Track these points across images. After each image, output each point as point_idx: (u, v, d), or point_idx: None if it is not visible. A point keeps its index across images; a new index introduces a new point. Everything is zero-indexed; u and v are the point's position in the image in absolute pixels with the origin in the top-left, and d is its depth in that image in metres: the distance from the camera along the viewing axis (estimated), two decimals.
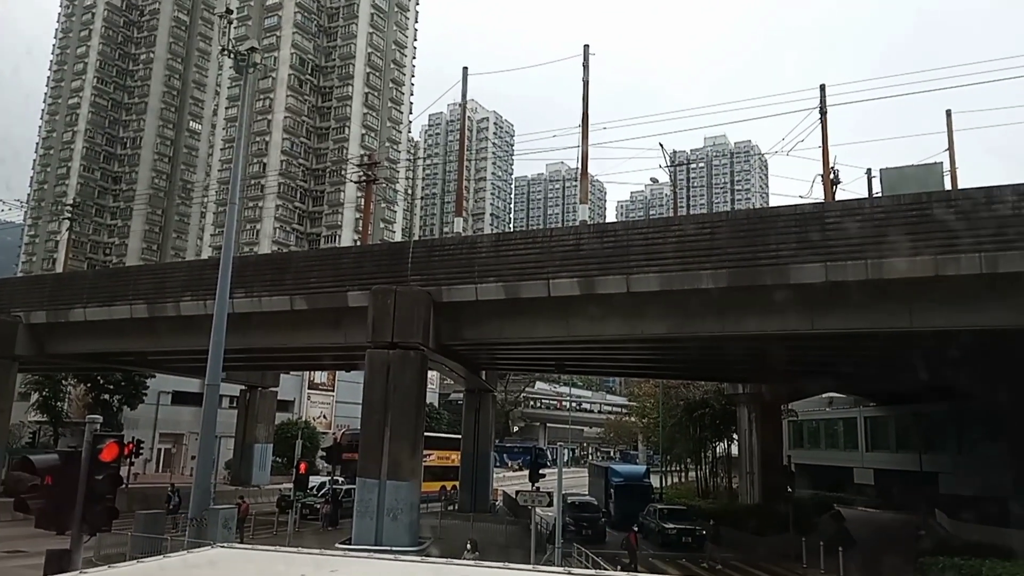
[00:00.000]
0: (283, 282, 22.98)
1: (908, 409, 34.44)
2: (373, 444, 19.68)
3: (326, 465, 40.49)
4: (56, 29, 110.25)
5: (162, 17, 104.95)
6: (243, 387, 40.79)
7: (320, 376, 60.26)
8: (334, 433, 53.63)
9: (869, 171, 31.11)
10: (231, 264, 16.04)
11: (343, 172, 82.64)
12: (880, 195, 21.75)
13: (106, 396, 41.31)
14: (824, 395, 42.24)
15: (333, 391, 61.64)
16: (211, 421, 15.32)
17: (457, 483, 36.39)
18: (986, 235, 15.20)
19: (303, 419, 55.43)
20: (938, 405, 30.94)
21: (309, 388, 59.79)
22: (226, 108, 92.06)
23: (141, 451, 29.51)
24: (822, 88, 26.42)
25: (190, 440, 46.52)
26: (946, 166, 26.67)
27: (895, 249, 15.70)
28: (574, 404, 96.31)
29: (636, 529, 23.74)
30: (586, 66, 27.31)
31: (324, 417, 60.70)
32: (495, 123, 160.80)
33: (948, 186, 24.18)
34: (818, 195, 27.49)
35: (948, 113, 28.55)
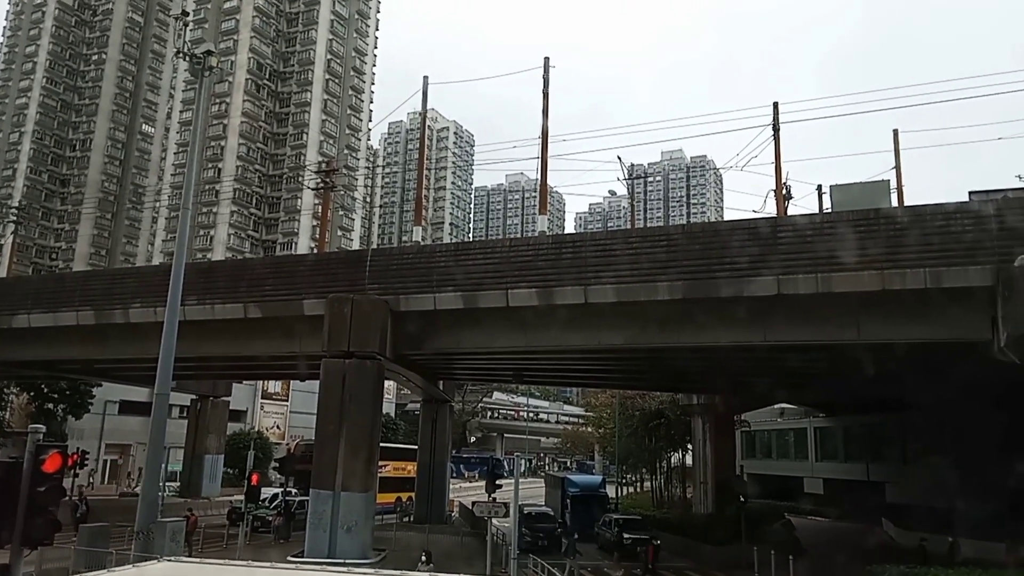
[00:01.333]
0: (237, 289, 22.59)
1: (856, 420, 35.26)
2: (327, 455, 19.43)
3: (279, 476, 39.81)
4: (3, 27, 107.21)
5: (115, 18, 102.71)
6: (194, 397, 39.92)
7: (274, 386, 59.25)
8: (288, 444, 52.74)
9: (820, 187, 31.93)
10: (183, 270, 15.73)
11: (300, 179, 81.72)
12: (830, 211, 22.32)
13: (50, 405, 39.99)
14: (776, 406, 43.02)
15: (287, 401, 60.65)
16: (160, 431, 14.94)
17: (413, 494, 36.08)
18: (931, 251, 15.69)
19: (256, 429, 54.40)
20: (884, 416, 31.75)
21: (263, 398, 58.71)
22: (180, 111, 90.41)
23: (86, 462, 28.60)
24: (775, 106, 27.04)
25: (137, 451, 45.28)
26: (893, 183, 27.49)
27: (844, 263, 16.11)
28: (532, 414, 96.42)
29: (657, 543, 23.71)
30: (546, 79, 27.55)
31: (278, 427, 59.65)
32: (455, 132, 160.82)
33: (895, 203, 24.91)
34: (771, 210, 28.13)
35: (895, 132, 29.48)
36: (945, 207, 16.44)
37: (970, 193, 18.32)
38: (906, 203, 27.08)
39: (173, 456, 40.05)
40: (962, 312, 15.71)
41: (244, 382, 50.83)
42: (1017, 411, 15.45)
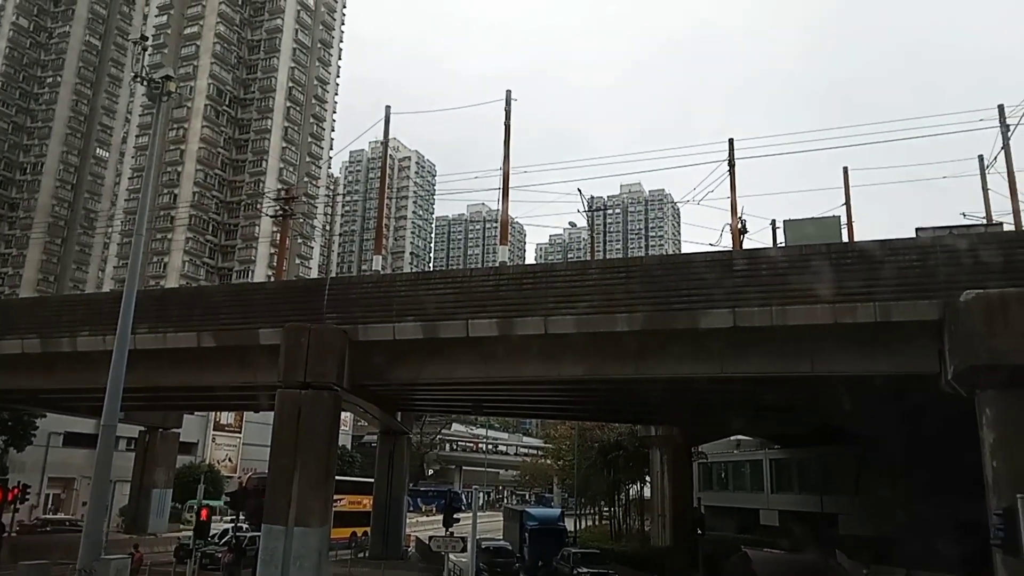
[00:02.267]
0: (191, 318, 22.12)
1: (810, 452, 35.70)
2: (281, 488, 18.96)
3: (229, 512, 38.73)
4: None
5: (72, 40, 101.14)
6: (143, 428, 38.73)
7: (227, 417, 57.94)
8: (240, 477, 51.47)
9: (773, 222, 32.59)
10: (135, 297, 15.37)
11: (259, 206, 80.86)
12: (783, 245, 22.82)
13: None
14: (732, 438, 43.39)
15: (240, 433, 59.27)
16: (106, 464, 14.46)
17: (368, 529, 35.38)
18: (880, 285, 16.11)
19: (207, 462, 52.97)
20: (838, 448, 32.20)
21: (215, 430, 57.31)
22: (136, 136, 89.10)
23: (27, 496, 27.45)
24: (730, 142, 27.68)
25: (82, 485, 43.69)
26: (844, 219, 28.24)
27: (797, 297, 16.44)
28: (490, 446, 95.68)
29: None
30: (508, 111, 27.78)
31: (230, 460, 58.19)
32: (417, 162, 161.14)
33: (845, 238, 25.57)
34: (727, 243, 28.61)
35: (845, 170, 30.30)
36: (893, 243, 16.93)
37: (917, 229, 18.88)
38: (856, 238, 27.84)
39: (119, 490, 38.75)
40: (911, 345, 16.10)
41: (196, 413, 49.58)
42: (965, 443, 15.82)
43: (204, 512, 22.85)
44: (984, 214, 27.16)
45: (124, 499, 39.89)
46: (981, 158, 27.77)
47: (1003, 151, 25.77)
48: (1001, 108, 26.02)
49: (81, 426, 40.79)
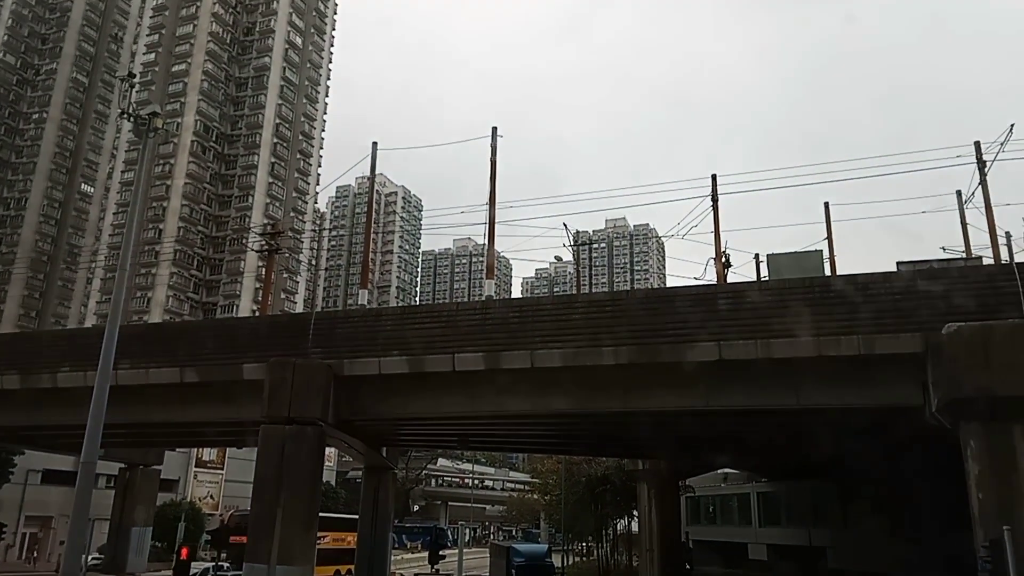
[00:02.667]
0: (174, 353, 21.94)
1: (797, 485, 35.62)
2: (263, 526, 18.65)
3: (210, 550, 37.98)
4: None
5: (59, 77, 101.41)
6: (123, 465, 38.06)
7: (209, 453, 57.13)
8: (221, 515, 50.57)
9: (757, 256, 32.94)
10: (117, 333, 15.24)
11: (244, 240, 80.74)
12: (767, 279, 23.04)
13: None
14: (720, 471, 43.23)
15: (223, 469, 58.40)
16: (85, 502, 14.20)
17: (352, 566, 34.76)
18: (863, 318, 16.26)
19: (188, 499, 52.05)
20: (825, 481, 32.18)
21: (196, 466, 56.47)
22: (122, 172, 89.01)
23: (3, 535, 26.87)
24: (713, 178, 28.04)
25: (60, 523, 42.77)
26: (827, 253, 28.56)
27: (781, 330, 16.55)
28: (477, 481, 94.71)
29: None
30: (494, 147, 28.07)
31: (211, 497, 57.23)
32: (404, 197, 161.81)
33: (828, 271, 25.84)
34: (711, 277, 28.84)
35: (826, 205, 30.73)
36: (875, 276, 17.14)
37: (898, 263, 19.14)
38: (838, 272, 28.13)
39: (97, 528, 37.95)
40: (895, 378, 16.21)
41: (178, 450, 48.86)
42: (951, 475, 15.86)
43: (184, 551, 22.42)
44: (963, 248, 27.57)
45: (103, 538, 39.06)
46: (959, 193, 28.30)
47: (980, 186, 26.26)
48: (977, 144, 26.58)
49: (60, 463, 40.07)
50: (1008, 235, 28.94)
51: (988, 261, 23.53)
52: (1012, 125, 25.41)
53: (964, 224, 27.86)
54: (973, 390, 14.33)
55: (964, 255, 26.19)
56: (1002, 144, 25.48)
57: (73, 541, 14.29)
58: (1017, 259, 26.11)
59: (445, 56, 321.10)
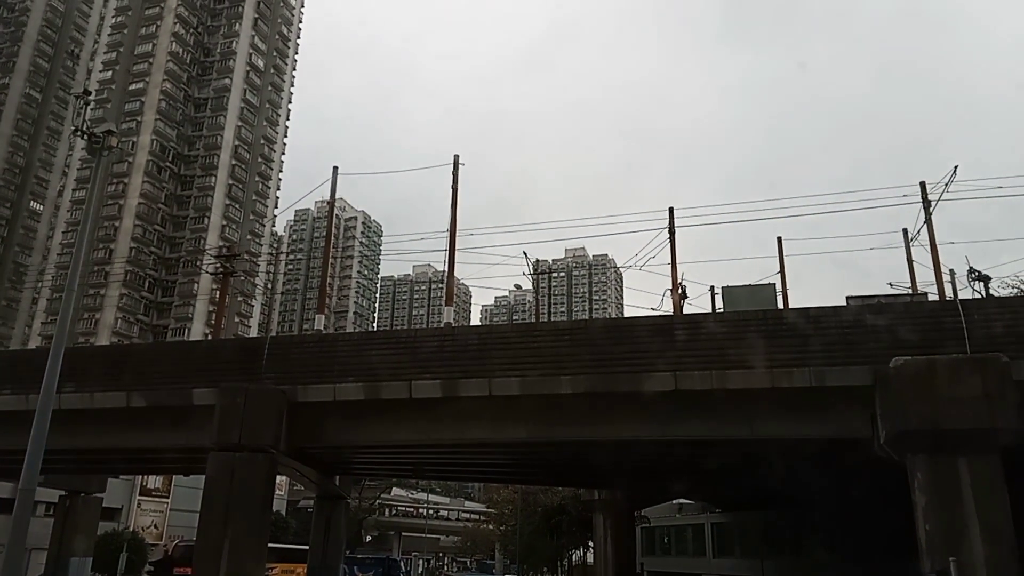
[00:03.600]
0: (121, 376, 21.31)
1: (751, 515, 35.93)
2: (210, 557, 18.09)
3: None
4: None
5: (11, 92, 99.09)
6: (63, 493, 36.66)
7: (154, 481, 55.33)
8: (166, 545, 48.91)
9: (712, 288, 33.40)
10: (62, 355, 14.76)
11: (199, 263, 79.28)
12: (722, 311, 23.39)
13: None
14: (675, 501, 43.40)
15: (168, 498, 56.59)
16: (22, 531, 13.61)
17: None
18: (814, 351, 16.59)
19: (131, 529, 50.27)
20: (777, 512, 32.52)
21: (141, 494, 54.59)
22: (74, 190, 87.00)
23: None
24: (671, 211, 28.43)
25: None
26: (779, 286, 29.14)
27: (735, 361, 16.79)
28: (432, 511, 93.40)
29: None
30: (455, 175, 28.11)
31: (156, 527, 55.34)
32: (363, 223, 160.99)
33: (780, 304, 26.34)
34: (668, 308, 29.13)
35: (779, 240, 31.37)
36: (826, 311, 17.53)
37: (847, 298, 19.59)
38: (790, 305, 28.68)
39: (34, 559, 36.41)
40: (845, 410, 16.53)
41: (121, 477, 47.27)
42: (899, 506, 16.17)
43: None
44: (910, 284, 28.38)
45: (40, 568, 37.45)
46: (906, 231, 29.15)
47: (926, 224, 27.12)
48: (923, 185, 27.49)
49: None
50: (952, 272, 29.88)
51: (933, 297, 24.24)
52: (956, 167, 26.34)
53: (910, 261, 28.69)
54: (919, 423, 14.69)
55: (910, 291, 26.94)
56: (946, 185, 26.40)
57: (9, 572, 13.67)
58: (961, 296, 26.97)
59: (411, 87, 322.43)
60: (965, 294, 28.11)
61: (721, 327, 18.19)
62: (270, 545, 22.81)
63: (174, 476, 53.17)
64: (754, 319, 18.08)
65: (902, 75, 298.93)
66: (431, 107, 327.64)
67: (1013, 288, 29.44)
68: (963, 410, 14.45)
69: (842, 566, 27.51)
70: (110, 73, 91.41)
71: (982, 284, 27.89)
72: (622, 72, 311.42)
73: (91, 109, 17.07)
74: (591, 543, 40.20)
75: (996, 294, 28.09)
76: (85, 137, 15.89)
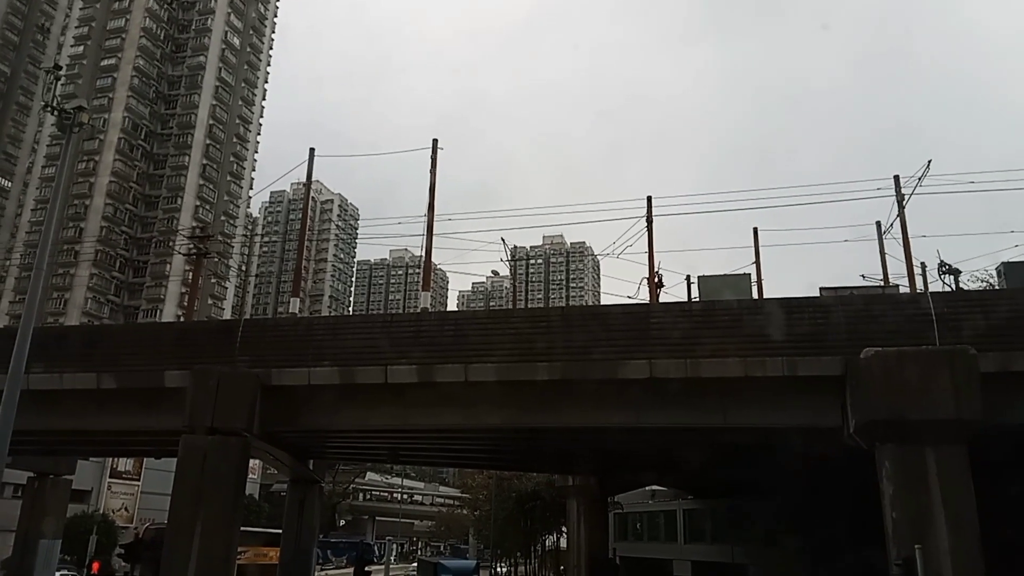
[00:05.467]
0: (91, 357, 21.01)
1: (722, 502, 36.37)
2: (181, 540, 17.96)
3: (123, 564, 36.39)
4: None
5: None
6: (32, 474, 36.16)
7: (125, 463, 54.77)
8: (136, 528, 48.51)
9: (688, 277, 33.64)
10: (31, 335, 14.51)
11: (172, 243, 78.22)
12: (698, 299, 23.56)
13: None
14: (648, 488, 43.79)
15: (139, 480, 56.07)
16: None
17: None
18: (787, 341, 16.77)
19: (101, 512, 49.77)
20: (749, 499, 32.94)
21: (111, 477, 54.03)
22: (43, 167, 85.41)
23: None
24: (648, 200, 28.55)
25: None
26: (755, 276, 29.41)
27: (710, 350, 16.93)
28: (406, 496, 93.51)
29: None
30: (434, 159, 27.95)
31: (126, 510, 54.85)
32: (340, 205, 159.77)
33: (755, 294, 26.59)
34: (644, 296, 29.31)
35: (755, 230, 31.62)
36: (800, 301, 17.73)
37: (821, 289, 19.81)
38: (766, 295, 28.97)
39: (2, 541, 35.97)
40: (816, 399, 16.75)
41: (92, 459, 46.74)
42: (868, 494, 16.45)
43: (96, 565, 21.39)
44: (882, 276, 28.78)
45: (8, 550, 36.97)
46: (879, 224, 29.53)
47: (899, 218, 27.49)
48: (896, 179, 27.84)
49: None
50: (924, 266, 30.34)
51: (904, 290, 24.60)
52: (929, 161, 26.71)
53: (883, 254, 29.08)
54: (887, 413, 14.93)
55: (883, 283, 27.32)
56: (920, 179, 26.76)
57: None
58: (932, 289, 27.39)
59: (392, 71, 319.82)
60: (936, 287, 28.60)
61: (697, 316, 18.33)
62: (243, 529, 22.71)
63: (145, 459, 52.70)
64: (728, 308, 18.24)
65: (888, 64, 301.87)
66: (411, 92, 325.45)
67: (982, 282, 29.97)
68: (931, 401, 14.71)
69: (811, 553, 27.99)
70: (81, 48, 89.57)
71: (952, 278, 28.37)
72: (602, 60, 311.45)
73: (62, 84, 16.67)
74: (564, 528, 40.48)
75: (966, 287, 28.60)
76: (55, 113, 15.55)
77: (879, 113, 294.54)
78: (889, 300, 19.09)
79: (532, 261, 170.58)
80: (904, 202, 27.45)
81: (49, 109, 15.64)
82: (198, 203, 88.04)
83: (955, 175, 29.14)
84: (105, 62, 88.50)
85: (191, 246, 37.05)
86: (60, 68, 17.58)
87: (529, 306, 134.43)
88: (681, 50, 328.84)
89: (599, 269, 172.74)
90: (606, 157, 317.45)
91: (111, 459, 51.82)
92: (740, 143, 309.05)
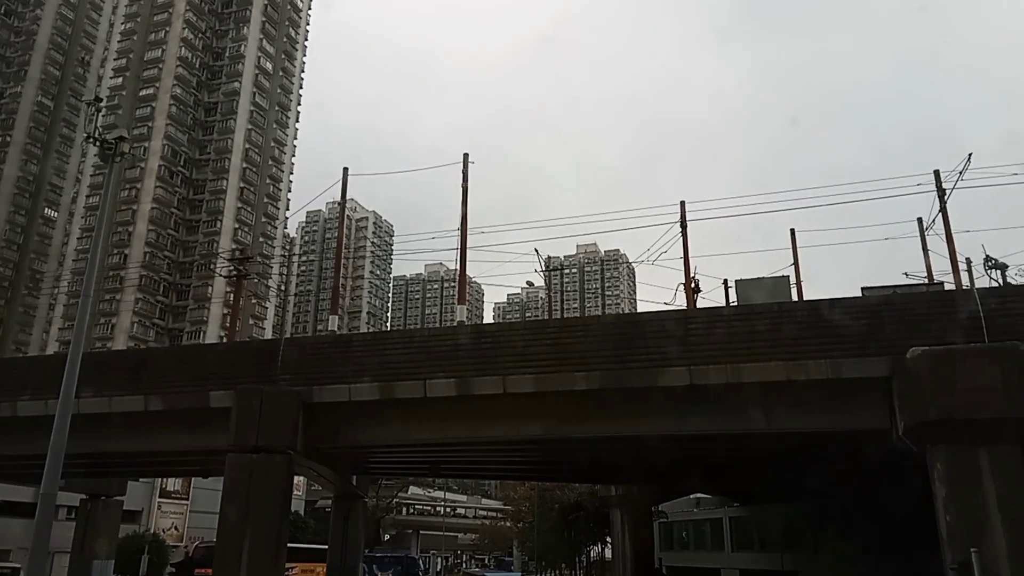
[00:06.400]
0: (138, 380, 21.48)
1: (769, 509, 35.77)
2: (230, 558, 18.23)
3: None
4: None
5: (23, 101, 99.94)
6: (84, 496, 37.03)
7: (174, 483, 55.79)
8: (186, 546, 49.31)
9: (725, 281, 33.28)
10: (79, 360, 14.90)
11: (212, 266, 79.77)
12: (736, 304, 23.30)
13: None
14: (692, 496, 43.27)
15: (188, 500, 57.05)
16: (44, 535, 13.75)
17: None
18: (830, 343, 16.48)
19: (151, 531, 50.74)
20: (796, 505, 32.35)
21: (160, 496, 55.07)
22: (87, 196, 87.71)
23: None
24: (682, 204, 28.37)
25: (18, 557, 41.38)
26: (793, 278, 28.97)
27: (750, 354, 16.70)
28: (449, 509, 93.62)
29: None
30: (465, 174, 28.14)
31: (176, 528, 55.81)
32: (375, 223, 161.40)
33: (795, 297, 26.19)
34: (681, 302, 29.07)
35: (792, 232, 31.22)
36: (842, 302, 17.41)
37: (863, 289, 19.46)
38: (805, 297, 28.53)
39: (57, 562, 36.83)
40: (862, 401, 16.41)
41: (141, 479, 47.72)
42: (920, 497, 16.06)
43: None
44: (926, 273, 28.14)
45: (63, 571, 37.86)
46: (920, 220, 28.91)
47: (941, 213, 26.88)
48: (937, 173, 27.24)
49: (18, 494, 38.88)
50: (969, 261, 29.61)
51: (950, 286, 24.03)
52: (970, 155, 26.10)
53: (926, 251, 28.45)
54: (938, 413, 14.56)
55: (927, 281, 26.73)
56: (960, 173, 26.15)
57: (33, 574, 13.82)
58: (977, 284, 26.71)
59: (422, 83, 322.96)
60: (982, 283, 27.86)
61: (735, 321, 18.10)
62: (289, 545, 22.94)
63: (193, 478, 53.62)
64: (768, 312, 18.00)
65: (923, 60, 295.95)
66: (444, 103, 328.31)
67: None
68: (982, 400, 14.31)
69: (863, 558, 27.35)
70: (121, 79, 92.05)
71: (999, 272, 27.63)
72: (635, 64, 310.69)
73: (103, 116, 17.20)
74: (608, 539, 40.14)
75: (1014, 282, 27.82)
76: (97, 144, 16.03)
77: (919, 107, 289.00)
78: (934, 298, 18.68)
79: (567, 271, 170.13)
80: (946, 197, 26.85)
81: (91, 140, 16.11)
82: (237, 226, 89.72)
83: (997, 167, 28.46)
84: (143, 92, 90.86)
85: (231, 268, 37.77)
86: (101, 100, 18.13)
87: (565, 316, 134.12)
88: (715, 51, 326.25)
89: (634, 276, 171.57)
90: (641, 163, 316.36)
91: (160, 479, 52.82)
92: (777, 143, 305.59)
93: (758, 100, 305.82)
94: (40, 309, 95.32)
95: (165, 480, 53.88)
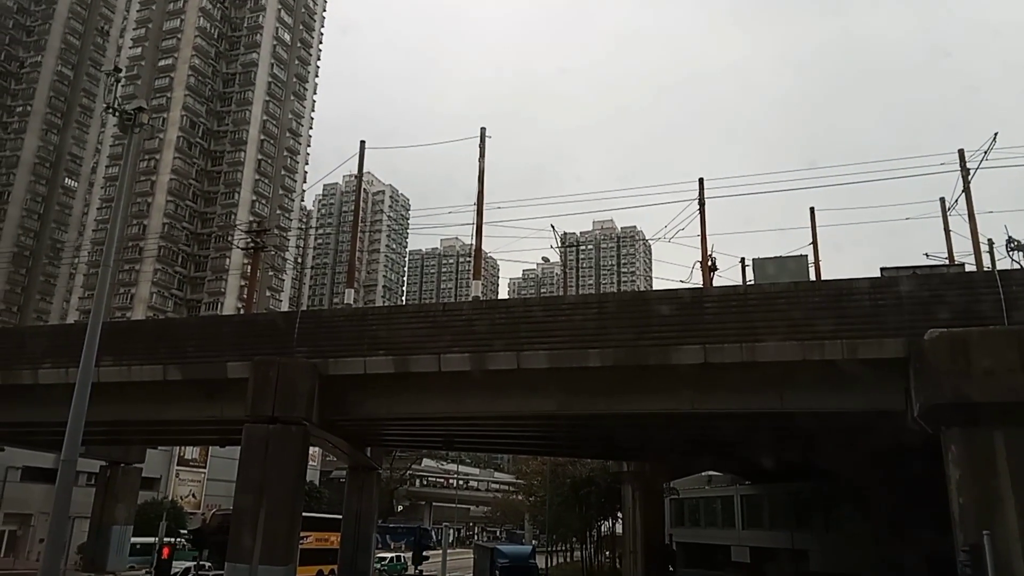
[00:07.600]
0: (157, 350, 21.77)
1: (780, 487, 35.80)
2: (246, 525, 18.55)
3: (191, 549, 37.66)
4: None
5: (44, 71, 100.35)
6: (104, 463, 37.73)
7: (191, 451, 56.68)
8: (203, 513, 50.18)
9: (743, 260, 33.10)
10: (100, 329, 15.09)
11: (230, 238, 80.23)
12: (752, 283, 23.16)
13: None
14: (704, 473, 43.38)
15: (205, 468, 57.97)
16: (65, 500, 14.02)
17: (336, 567, 34.62)
18: (847, 323, 16.38)
19: (169, 498, 51.66)
20: (808, 483, 32.37)
21: (179, 464, 56.00)
22: (107, 167, 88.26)
23: None
24: (700, 182, 28.16)
25: (39, 521, 42.33)
26: (811, 258, 28.74)
27: (766, 334, 16.64)
28: (461, 482, 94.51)
29: None
30: (482, 148, 28.07)
31: (193, 496, 56.80)
32: (391, 196, 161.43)
33: (813, 276, 25.99)
34: (697, 280, 28.98)
35: (811, 210, 30.89)
36: (860, 282, 17.26)
37: (882, 269, 19.26)
38: (823, 277, 28.30)
39: (77, 527, 37.61)
40: (877, 383, 16.33)
41: (159, 448, 48.50)
42: (933, 479, 16.01)
43: (166, 550, 22.25)
44: (946, 254, 27.83)
45: (83, 536, 38.70)
46: (943, 200, 28.54)
47: (964, 194, 26.50)
48: (961, 153, 26.83)
49: (40, 460, 39.66)
50: (991, 242, 29.24)
51: (971, 268, 23.75)
52: (996, 134, 25.67)
53: (947, 231, 28.12)
54: (954, 396, 14.47)
55: (947, 262, 26.42)
56: (985, 152, 25.74)
57: (53, 539, 14.14)
58: (999, 267, 26.39)
59: (440, 55, 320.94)
60: (1004, 265, 27.53)
61: (751, 299, 18.02)
62: (304, 514, 23.30)
63: (210, 447, 54.44)
64: (785, 291, 17.89)
65: (957, 40, 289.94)
66: (460, 76, 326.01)
67: None
68: (999, 383, 14.20)
69: (874, 539, 27.39)
70: (139, 49, 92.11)
71: (1021, 254, 27.26)
72: (663, 41, 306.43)
73: (122, 86, 17.22)
74: (619, 514, 40.42)
75: None
76: (117, 114, 16.06)
77: (946, 81, 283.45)
78: (954, 279, 18.45)
79: (583, 247, 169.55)
80: (970, 177, 26.45)
81: (111, 110, 16.15)
82: (254, 198, 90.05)
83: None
84: (162, 62, 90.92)
85: (249, 240, 37.94)
86: (120, 70, 18.15)
87: (580, 292, 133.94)
88: (739, 24, 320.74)
89: (651, 254, 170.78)
90: (662, 138, 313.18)
91: (178, 448, 53.67)
92: (797, 120, 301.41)
93: (784, 81, 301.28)
94: (60, 279, 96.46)
95: (183, 448, 54.73)
